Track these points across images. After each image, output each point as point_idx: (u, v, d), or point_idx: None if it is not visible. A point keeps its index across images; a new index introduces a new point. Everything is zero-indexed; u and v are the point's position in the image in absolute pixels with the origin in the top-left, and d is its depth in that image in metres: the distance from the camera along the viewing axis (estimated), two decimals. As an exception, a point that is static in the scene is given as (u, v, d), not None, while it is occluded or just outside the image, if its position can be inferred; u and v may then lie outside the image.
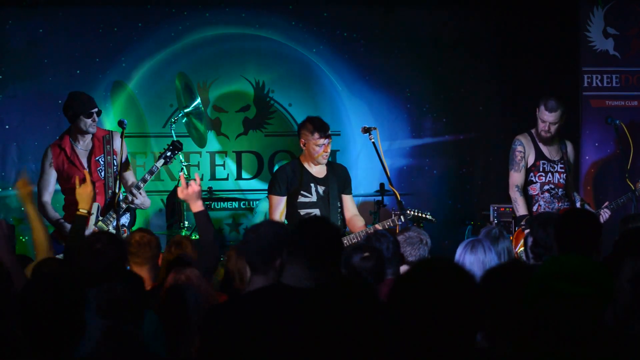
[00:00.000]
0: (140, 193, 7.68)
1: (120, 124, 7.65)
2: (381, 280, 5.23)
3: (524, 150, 8.27)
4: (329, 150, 7.66)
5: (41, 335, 3.34)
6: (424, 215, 7.91)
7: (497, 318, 3.44)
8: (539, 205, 8.22)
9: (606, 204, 8.16)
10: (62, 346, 3.37)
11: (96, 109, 7.86)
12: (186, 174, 8.68)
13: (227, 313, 4.36)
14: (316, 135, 7.58)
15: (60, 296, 3.41)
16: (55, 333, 3.36)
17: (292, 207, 7.62)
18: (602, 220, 7.96)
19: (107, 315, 4.18)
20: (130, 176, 8.00)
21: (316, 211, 7.63)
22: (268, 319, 4.11)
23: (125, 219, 7.81)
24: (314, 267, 4.21)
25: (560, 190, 8.26)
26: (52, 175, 7.93)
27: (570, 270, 2.93)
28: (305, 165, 7.70)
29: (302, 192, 7.62)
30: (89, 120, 7.80)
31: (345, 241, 7.59)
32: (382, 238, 5.58)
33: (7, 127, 10.05)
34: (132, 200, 7.65)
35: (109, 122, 9.93)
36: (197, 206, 5.61)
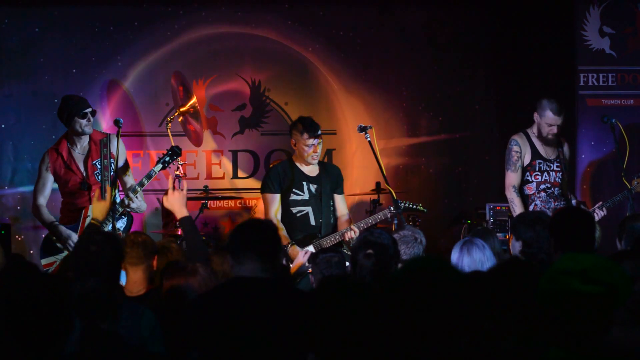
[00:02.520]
0: (137, 197, 7.67)
1: (116, 122, 7.64)
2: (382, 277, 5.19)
3: (520, 150, 8.26)
4: (318, 151, 7.67)
5: (28, 334, 3.34)
6: (415, 207, 7.90)
7: (502, 315, 3.45)
8: (535, 204, 8.22)
9: (600, 203, 8.17)
10: (50, 345, 3.37)
11: (90, 109, 7.85)
12: (182, 172, 8.68)
13: (202, 305, 4.36)
14: (305, 135, 7.60)
15: (46, 295, 3.41)
16: (42, 332, 3.35)
17: (285, 205, 7.65)
18: (597, 219, 7.96)
19: (83, 315, 4.19)
20: (129, 179, 7.99)
21: (308, 209, 7.66)
22: (245, 309, 4.15)
23: (121, 223, 7.79)
24: (266, 261, 4.29)
25: (556, 189, 8.25)
26: (48, 180, 7.93)
27: (584, 268, 2.93)
28: (297, 164, 7.73)
29: (294, 190, 7.65)
30: (83, 121, 7.79)
31: (327, 241, 7.60)
32: (381, 236, 5.44)
33: (2, 126, 10.04)
34: (129, 203, 7.64)
35: (105, 121, 9.93)
36: (182, 213, 5.70)
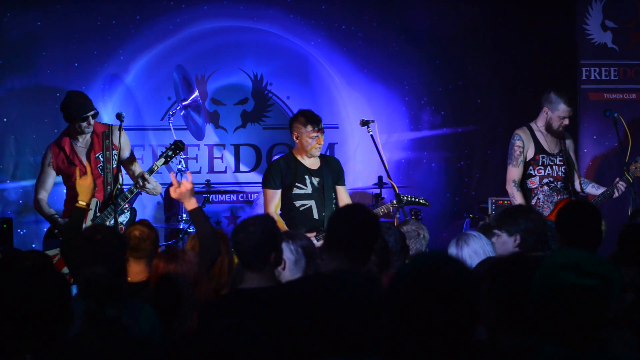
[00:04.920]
0: (151, 177, 7.66)
1: (118, 116, 7.63)
2: (386, 271, 5.20)
3: (523, 145, 8.24)
4: (322, 142, 7.68)
5: (27, 325, 3.34)
6: (417, 200, 7.90)
7: (501, 310, 3.44)
8: (538, 198, 8.21)
9: (600, 192, 8.20)
10: (49, 336, 3.37)
11: (92, 112, 7.78)
12: (183, 167, 8.67)
13: (223, 309, 4.35)
14: (309, 127, 7.61)
15: (45, 286, 3.41)
16: (42, 323, 3.36)
17: (288, 199, 7.66)
18: (616, 195, 8.09)
19: (89, 297, 4.21)
20: (136, 168, 7.99)
21: (311, 202, 7.66)
22: (265, 316, 4.10)
23: (123, 217, 7.78)
24: (354, 259, 4.25)
25: (559, 183, 8.25)
26: (50, 175, 7.93)
27: (577, 262, 2.93)
28: (299, 158, 7.73)
29: (296, 184, 7.66)
30: (84, 124, 7.76)
31: None
32: (388, 231, 5.48)
33: (5, 119, 10.03)
34: (144, 184, 7.60)
35: (107, 115, 9.92)
36: (191, 204, 5.65)
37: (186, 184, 5.67)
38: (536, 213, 5.43)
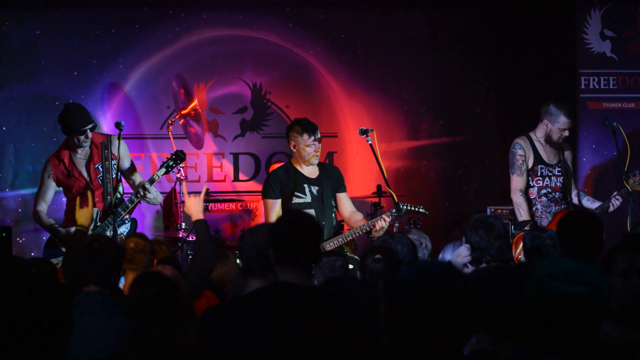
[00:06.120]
0: (152, 187, 7.68)
1: (117, 125, 7.64)
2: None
3: (525, 154, 8.22)
4: (319, 150, 7.67)
5: (27, 337, 3.33)
6: (416, 209, 7.89)
7: (498, 320, 3.44)
8: (536, 209, 8.20)
9: (595, 205, 8.19)
10: (49, 348, 3.36)
11: (89, 126, 7.78)
12: (183, 176, 8.66)
13: (227, 314, 4.34)
14: (305, 135, 7.61)
15: (46, 297, 3.40)
16: (42, 334, 3.35)
17: (287, 208, 7.64)
18: (612, 209, 8.06)
19: (135, 316, 4.25)
20: (137, 177, 8.00)
21: (311, 211, 7.63)
22: (272, 318, 4.09)
23: (124, 228, 7.79)
24: (305, 270, 4.23)
25: (557, 193, 8.24)
26: (50, 187, 7.94)
27: (567, 271, 2.93)
28: (297, 167, 7.72)
29: (296, 193, 7.65)
30: (82, 137, 7.78)
31: (350, 236, 7.59)
32: (401, 240, 5.49)
33: (4, 128, 10.03)
34: (145, 194, 7.62)
35: (106, 123, 9.93)
36: (198, 217, 5.79)
37: (193, 199, 5.82)
38: (486, 228, 5.43)
